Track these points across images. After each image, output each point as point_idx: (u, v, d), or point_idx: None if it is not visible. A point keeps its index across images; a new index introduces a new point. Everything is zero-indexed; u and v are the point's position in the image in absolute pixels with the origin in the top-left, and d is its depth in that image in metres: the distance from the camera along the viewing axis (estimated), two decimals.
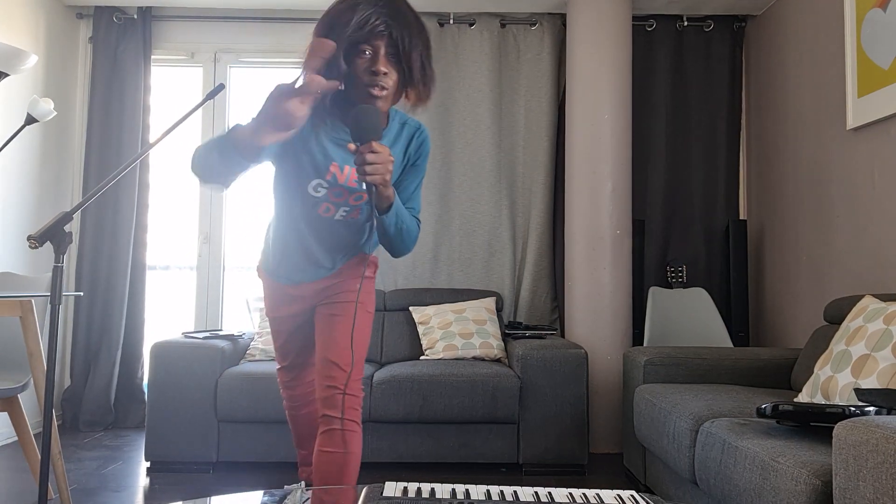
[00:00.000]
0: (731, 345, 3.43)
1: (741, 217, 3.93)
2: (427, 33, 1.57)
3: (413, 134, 1.69)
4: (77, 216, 3.84)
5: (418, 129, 1.69)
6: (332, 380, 1.66)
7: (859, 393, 1.60)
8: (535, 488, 1.20)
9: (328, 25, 1.49)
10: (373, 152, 1.42)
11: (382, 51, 1.49)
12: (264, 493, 1.24)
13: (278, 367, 2.01)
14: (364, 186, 1.60)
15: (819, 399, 1.99)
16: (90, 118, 3.84)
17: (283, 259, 1.78)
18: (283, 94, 1.30)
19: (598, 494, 1.19)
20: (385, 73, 1.49)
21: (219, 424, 2.90)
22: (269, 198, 1.87)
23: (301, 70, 1.37)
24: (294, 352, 1.96)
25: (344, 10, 1.47)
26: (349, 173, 1.63)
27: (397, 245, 1.68)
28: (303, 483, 1.24)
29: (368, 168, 1.43)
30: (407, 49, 1.51)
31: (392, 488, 1.17)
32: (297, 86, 1.31)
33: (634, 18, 3.92)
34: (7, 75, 2.44)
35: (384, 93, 1.51)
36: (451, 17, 3.85)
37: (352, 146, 1.43)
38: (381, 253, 3.79)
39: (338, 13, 1.48)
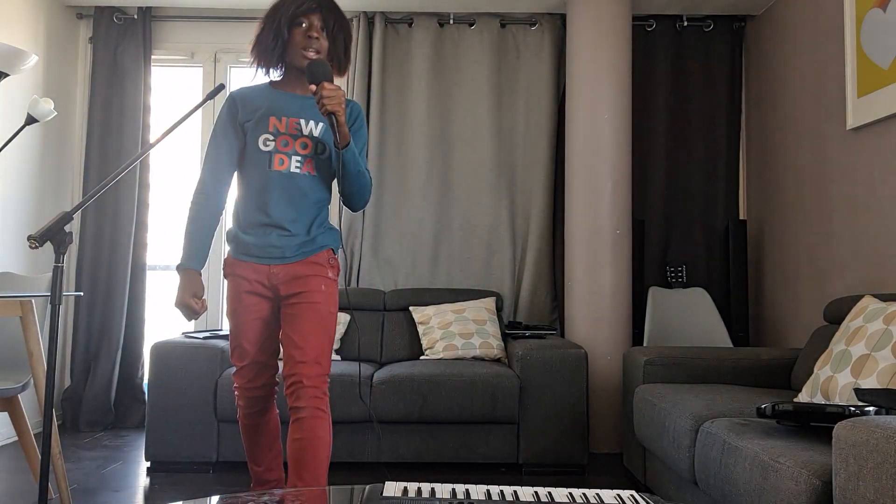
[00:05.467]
0: (731, 345, 3.43)
1: (741, 217, 3.93)
2: (350, 29, 1.96)
3: (349, 109, 1.96)
4: (77, 216, 3.83)
5: (350, 103, 1.97)
6: (295, 375, 1.80)
7: (859, 393, 1.60)
8: (535, 488, 1.20)
9: (274, 9, 1.87)
10: (328, 88, 1.73)
11: (316, 23, 1.86)
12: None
13: (235, 370, 1.95)
14: (317, 132, 1.90)
15: (819, 399, 1.99)
16: (90, 118, 3.84)
17: (249, 230, 1.89)
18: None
19: (598, 494, 1.19)
20: (317, 38, 1.85)
21: (219, 424, 2.90)
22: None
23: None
24: (254, 349, 1.92)
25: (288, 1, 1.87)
26: (287, 122, 1.87)
27: (356, 188, 1.88)
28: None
29: (326, 100, 1.73)
30: (334, 29, 1.90)
31: (392, 488, 1.17)
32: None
33: (634, 18, 3.92)
34: (7, 75, 2.44)
35: (317, 56, 1.85)
36: (451, 17, 3.85)
37: (312, 87, 1.76)
38: (380, 251, 3.79)
39: (283, 2, 1.87)
